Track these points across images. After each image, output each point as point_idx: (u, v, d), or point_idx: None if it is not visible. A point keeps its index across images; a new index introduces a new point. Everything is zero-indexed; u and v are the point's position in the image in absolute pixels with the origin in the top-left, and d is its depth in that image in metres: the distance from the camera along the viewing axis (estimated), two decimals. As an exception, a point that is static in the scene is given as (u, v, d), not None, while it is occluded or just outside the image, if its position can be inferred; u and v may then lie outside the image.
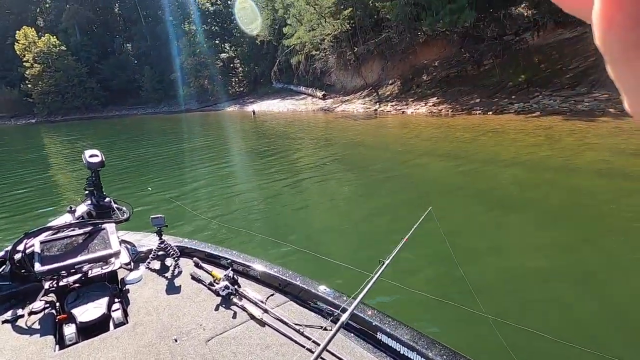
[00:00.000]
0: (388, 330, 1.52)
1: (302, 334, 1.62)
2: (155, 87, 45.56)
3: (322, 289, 1.84)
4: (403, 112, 18.62)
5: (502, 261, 3.87)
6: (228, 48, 45.41)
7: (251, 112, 30.22)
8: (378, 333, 1.55)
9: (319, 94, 28.92)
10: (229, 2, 44.36)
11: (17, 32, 41.53)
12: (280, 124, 20.85)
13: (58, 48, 42.35)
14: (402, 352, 1.47)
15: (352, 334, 1.62)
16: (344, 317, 1.40)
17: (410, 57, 22.33)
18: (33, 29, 42.71)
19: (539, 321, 2.82)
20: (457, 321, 2.83)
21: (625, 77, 0.15)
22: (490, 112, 14.49)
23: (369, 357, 1.52)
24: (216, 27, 45.06)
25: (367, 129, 15.59)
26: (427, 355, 1.39)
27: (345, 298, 1.75)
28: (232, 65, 46.09)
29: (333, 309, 1.72)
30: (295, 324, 1.67)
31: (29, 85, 42.46)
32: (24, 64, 41.72)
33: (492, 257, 3.96)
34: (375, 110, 20.78)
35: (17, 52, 41.52)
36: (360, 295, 1.48)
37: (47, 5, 51.74)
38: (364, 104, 22.78)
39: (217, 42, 45.27)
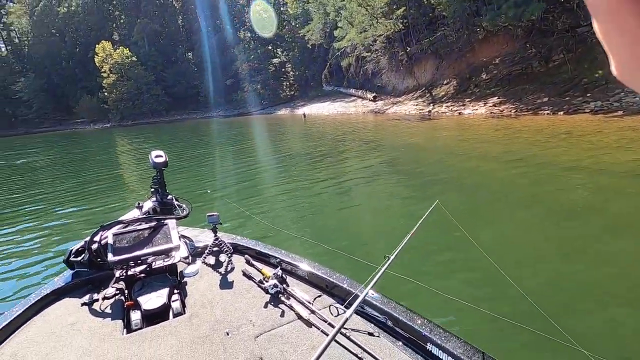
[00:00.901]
0: (438, 341, 1.47)
1: (349, 338, 1.60)
2: (213, 92, 48.40)
3: (371, 294, 1.80)
4: (459, 113, 17.68)
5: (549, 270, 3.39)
6: (280, 53, 46.84)
7: (302, 115, 30.77)
8: (428, 344, 1.51)
9: (370, 95, 28.59)
10: (281, 9, 45.80)
11: (97, 45, 46.65)
12: (329, 126, 20.89)
13: (130, 59, 46.83)
14: None
15: (400, 342, 1.61)
16: (352, 311, 1.43)
17: (468, 55, 21.18)
18: (110, 42, 47.72)
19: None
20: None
21: (611, 33, 0.14)
22: (561, 112, 13.18)
23: None
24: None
25: (419, 130, 15.01)
26: None
27: (394, 304, 1.72)
28: (283, 69, 47.46)
29: (378, 315, 1.72)
30: (343, 328, 1.62)
31: (105, 93, 47.57)
32: (102, 74, 46.81)
33: (546, 273, 3.48)
34: (429, 111, 20.00)
35: (97, 64, 46.65)
36: (365, 292, 1.51)
37: (122, 21, 57.49)
38: (416, 105, 22.05)
39: (269, 47, 46.90)
